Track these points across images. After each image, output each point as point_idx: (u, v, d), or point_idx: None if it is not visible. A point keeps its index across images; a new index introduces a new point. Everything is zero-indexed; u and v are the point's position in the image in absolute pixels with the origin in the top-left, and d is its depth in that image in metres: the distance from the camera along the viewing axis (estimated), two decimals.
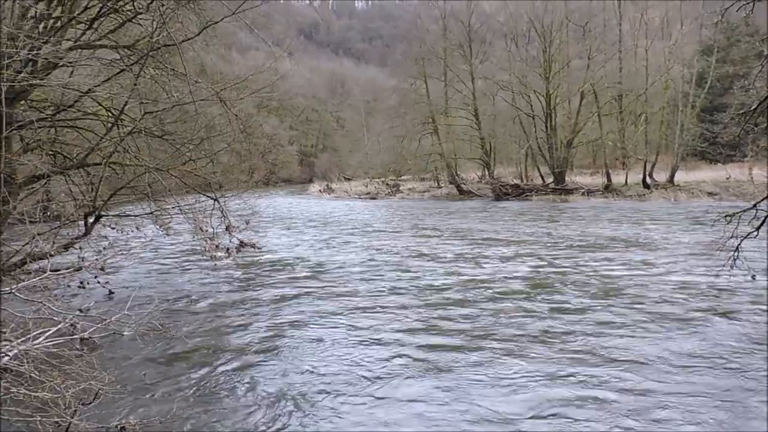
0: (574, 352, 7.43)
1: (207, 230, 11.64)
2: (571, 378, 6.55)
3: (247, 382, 6.70)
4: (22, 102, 9.45)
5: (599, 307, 9.66)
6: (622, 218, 24.25)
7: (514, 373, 6.72)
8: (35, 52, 8.23)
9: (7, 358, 4.70)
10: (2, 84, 7.49)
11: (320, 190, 52.06)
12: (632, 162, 39.33)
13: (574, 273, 12.67)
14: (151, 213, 10.74)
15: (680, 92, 37.92)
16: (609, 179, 38.13)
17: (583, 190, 36.72)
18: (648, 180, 37.00)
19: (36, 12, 9.57)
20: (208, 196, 11.49)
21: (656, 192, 34.48)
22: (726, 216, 8.06)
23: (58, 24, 9.64)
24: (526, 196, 37.70)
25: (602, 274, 12.51)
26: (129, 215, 11.00)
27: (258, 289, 12.03)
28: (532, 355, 7.34)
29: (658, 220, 22.96)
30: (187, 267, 14.46)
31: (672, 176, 37.09)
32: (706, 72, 38.56)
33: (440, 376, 6.70)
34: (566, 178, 40.07)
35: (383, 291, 11.40)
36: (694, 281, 11.51)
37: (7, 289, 5.11)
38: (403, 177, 51.03)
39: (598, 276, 12.29)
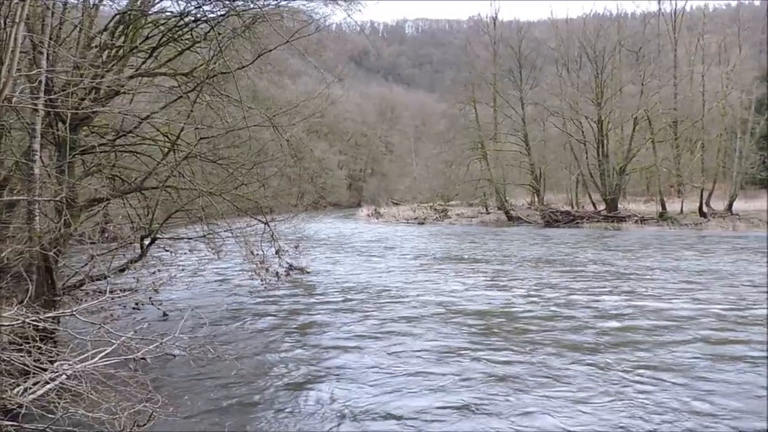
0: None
1: (257, 253, 11.80)
2: None
3: (298, 407, 6.70)
4: (85, 128, 9.82)
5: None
6: (689, 247, 23.46)
7: None
8: (98, 80, 8.56)
9: (64, 377, 4.82)
10: (67, 110, 7.82)
11: (368, 215, 52.17)
12: (688, 190, 38.28)
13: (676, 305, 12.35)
14: (204, 236, 10.94)
15: (738, 119, 36.87)
16: (663, 207, 37.16)
17: (636, 218, 35.80)
18: (705, 208, 35.89)
19: (100, 41, 9.98)
20: (258, 220, 11.67)
21: (714, 221, 33.37)
22: None
23: (120, 53, 10.02)
24: (577, 223, 36.97)
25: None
26: (182, 238, 11.24)
27: (306, 312, 12.09)
28: None
29: (718, 249, 22.14)
30: (237, 289, 14.66)
31: (730, 205, 35.96)
32: (766, 98, 37.39)
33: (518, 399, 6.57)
34: (619, 206, 39.19)
35: (435, 316, 11.32)
36: None
37: (69, 310, 5.27)
38: (451, 202, 50.76)
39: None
